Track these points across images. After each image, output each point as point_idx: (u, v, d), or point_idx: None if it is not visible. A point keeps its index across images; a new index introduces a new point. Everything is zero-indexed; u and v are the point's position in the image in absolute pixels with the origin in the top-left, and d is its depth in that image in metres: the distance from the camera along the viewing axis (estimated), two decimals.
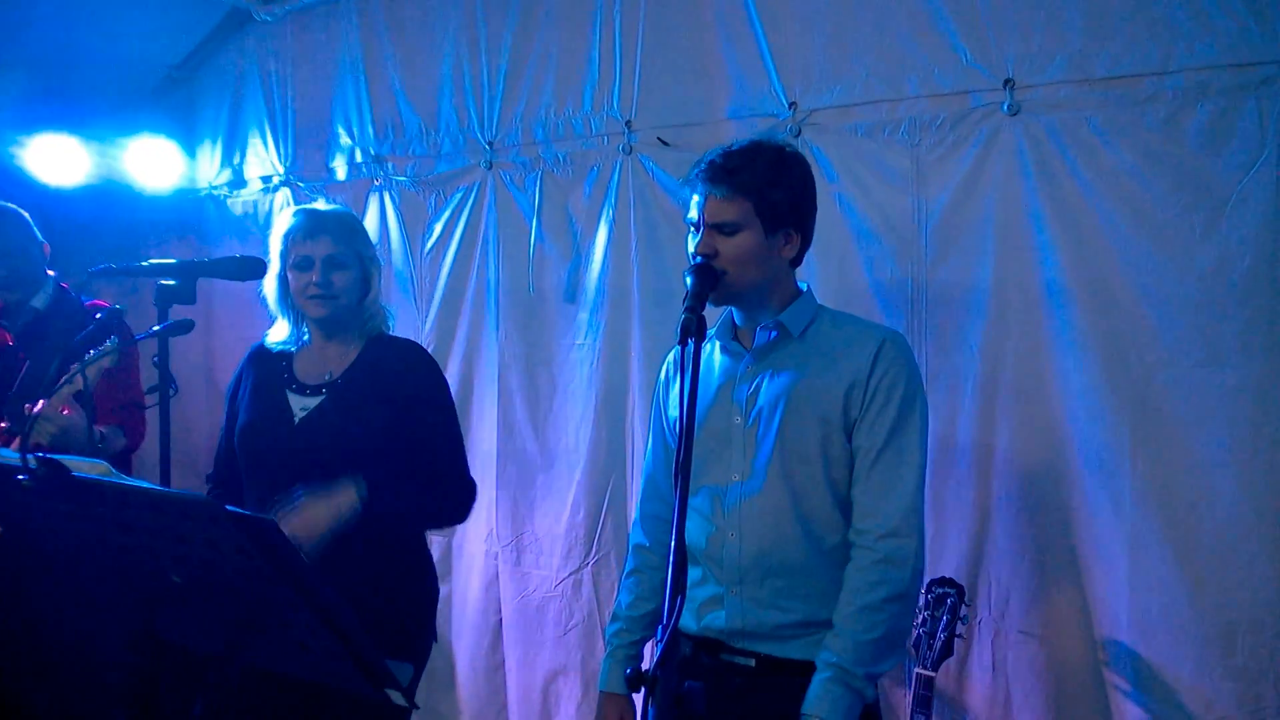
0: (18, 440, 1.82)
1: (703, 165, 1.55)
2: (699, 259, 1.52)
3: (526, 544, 2.79)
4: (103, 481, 1.20)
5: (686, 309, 1.40)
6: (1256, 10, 1.81)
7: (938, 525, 2.14)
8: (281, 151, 3.33)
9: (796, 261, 1.62)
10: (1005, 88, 2.05)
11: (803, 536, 1.53)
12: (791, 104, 2.31)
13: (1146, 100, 1.91)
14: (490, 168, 2.83)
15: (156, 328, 1.70)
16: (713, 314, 1.62)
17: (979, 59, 2.09)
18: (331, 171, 3.21)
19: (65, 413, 2.01)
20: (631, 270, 2.57)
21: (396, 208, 3.04)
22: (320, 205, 1.98)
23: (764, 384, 1.57)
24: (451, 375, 2.90)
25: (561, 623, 2.71)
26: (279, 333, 1.94)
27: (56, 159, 3.18)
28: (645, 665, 1.20)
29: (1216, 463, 1.86)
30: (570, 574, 2.70)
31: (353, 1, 3.10)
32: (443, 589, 2.88)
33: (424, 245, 2.99)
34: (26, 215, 2.44)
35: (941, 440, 2.12)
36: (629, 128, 2.56)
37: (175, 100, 3.59)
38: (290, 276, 1.88)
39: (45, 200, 3.01)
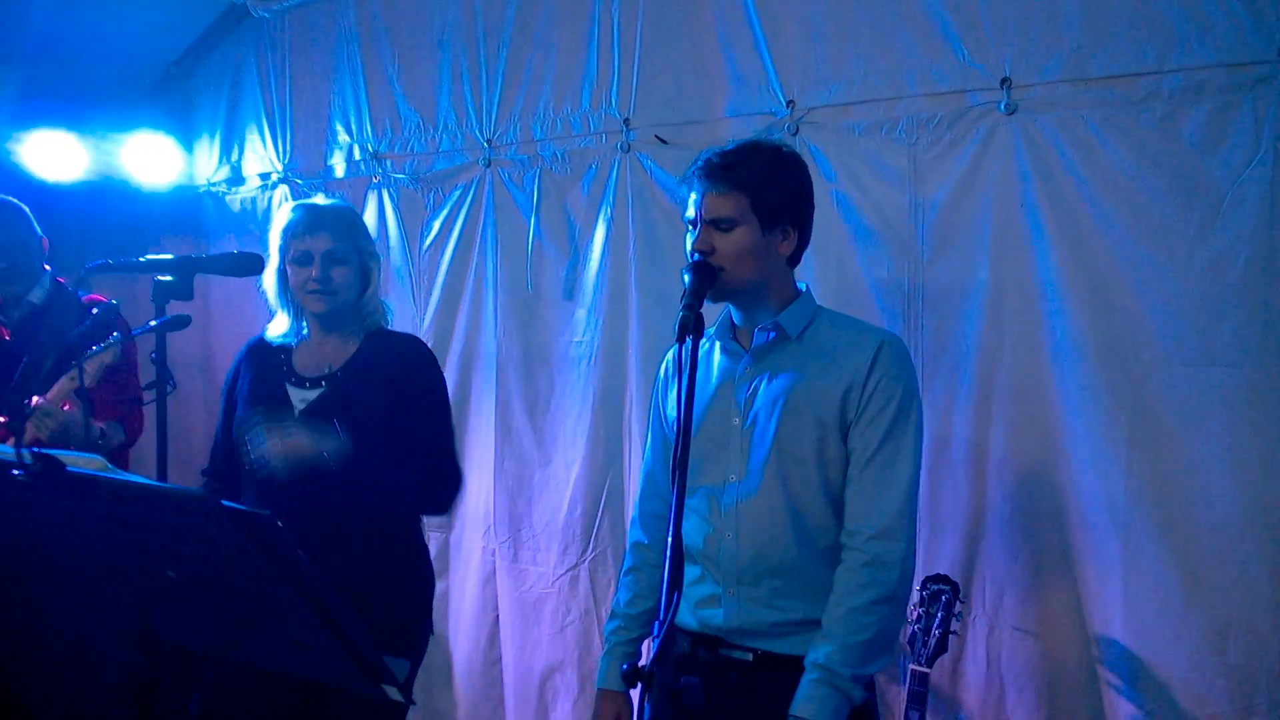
0: (14, 437, 1.82)
1: (699, 163, 1.56)
2: (696, 255, 1.52)
3: (524, 540, 2.80)
4: (98, 477, 1.20)
5: (685, 307, 1.40)
6: (1253, 10, 1.82)
7: (933, 522, 2.15)
8: (280, 148, 3.32)
9: (795, 260, 1.62)
10: (1002, 87, 2.05)
11: (799, 538, 1.53)
12: (789, 102, 2.32)
13: (1143, 100, 1.92)
14: (488, 165, 2.83)
15: (153, 323, 1.70)
16: (712, 312, 1.62)
17: (976, 58, 2.09)
18: (330, 168, 3.21)
19: (66, 408, 2.01)
20: (629, 268, 2.57)
21: (395, 205, 3.04)
22: (320, 200, 1.98)
23: (762, 386, 1.58)
24: (449, 372, 2.90)
25: (558, 619, 2.72)
26: (278, 327, 1.94)
27: (54, 155, 3.17)
28: (643, 662, 1.20)
29: (1211, 462, 1.87)
30: (567, 570, 2.70)
31: None
32: (440, 585, 2.91)
33: (422, 243, 2.99)
34: (26, 209, 2.44)
35: (937, 438, 2.12)
36: (627, 126, 2.56)
37: (173, 96, 3.59)
38: (290, 271, 1.89)
39: (43, 196, 3.00)
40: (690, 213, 1.57)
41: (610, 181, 2.60)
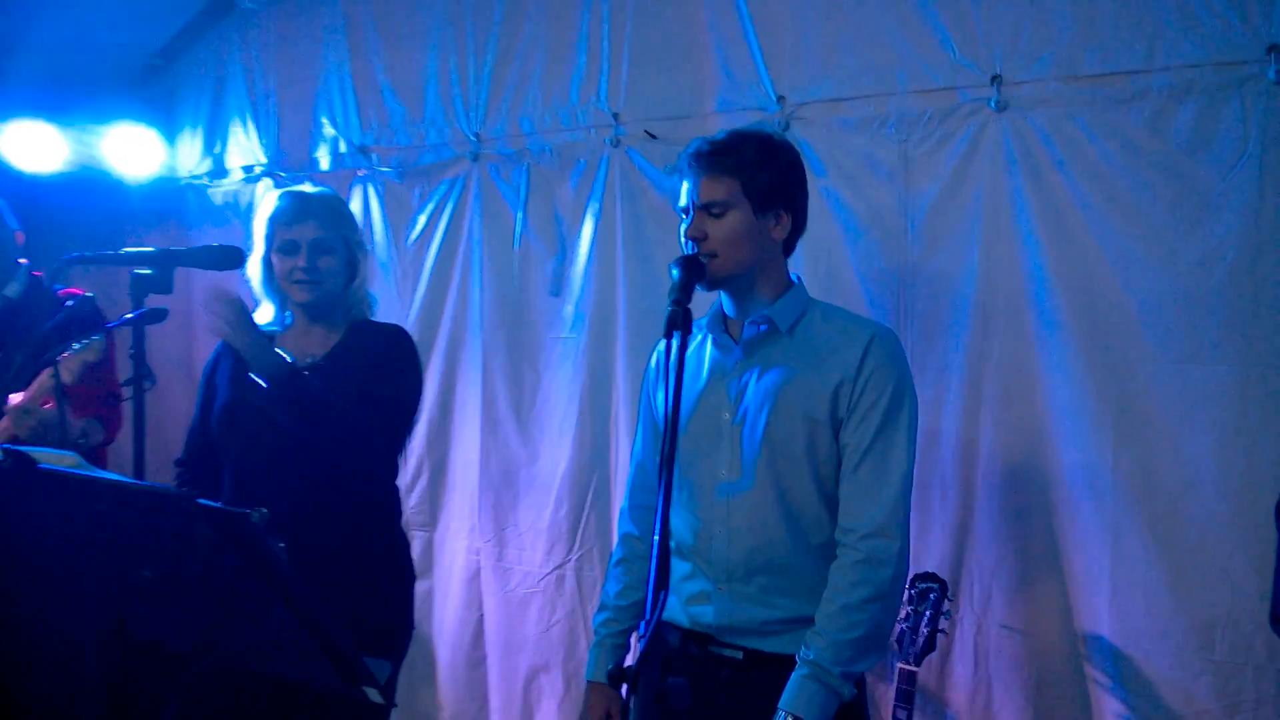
0: None
1: (690, 150, 1.56)
2: (689, 243, 1.52)
3: (509, 539, 2.78)
4: (70, 474, 1.17)
5: (673, 301, 1.39)
6: (1240, 9, 1.82)
7: (921, 519, 2.15)
8: (264, 141, 3.28)
9: (789, 246, 1.61)
10: (993, 84, 2.05)
11: (790, 534, 1.52)
12: (780, 97, 2.31)
13: (1132, 98, 1.92)
14: (476, 160, 2.80)
15: (129, 315, 1.67)
16: (704, 304, 1.61)
17: (967, 55, 2.09)
18: (315, 161, 3.17)
19: (47, 406, 1.98)
20: (617, 264, 2.56)
21: (381, 199, 3.01)
22: (307, 188, 1.95)
23: (752, 381, 1.56)
24: (435, 369, 2.88)
25: (544, 619, 2.70)
26: (263, 316, 1.91)
27: (33, 146, 3.12)
28: (630, 660, 1.19)
29: (1198, 459, 1.87)
30: (553, 570, 2.68)
31: None
32: (424, 584, 2.89)
33: (408, 237, 2.96)
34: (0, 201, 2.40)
35: (926, 433, 2.12)
36: (616, 120, 2.55)
37: (155, 88, 3.54)
38: (275, 260, 1.86)
39: (21, 188, 2.96)
40: (683, 200, 1.56)
41: (599, 176, 2.58)
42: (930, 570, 1.99)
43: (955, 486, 2.13)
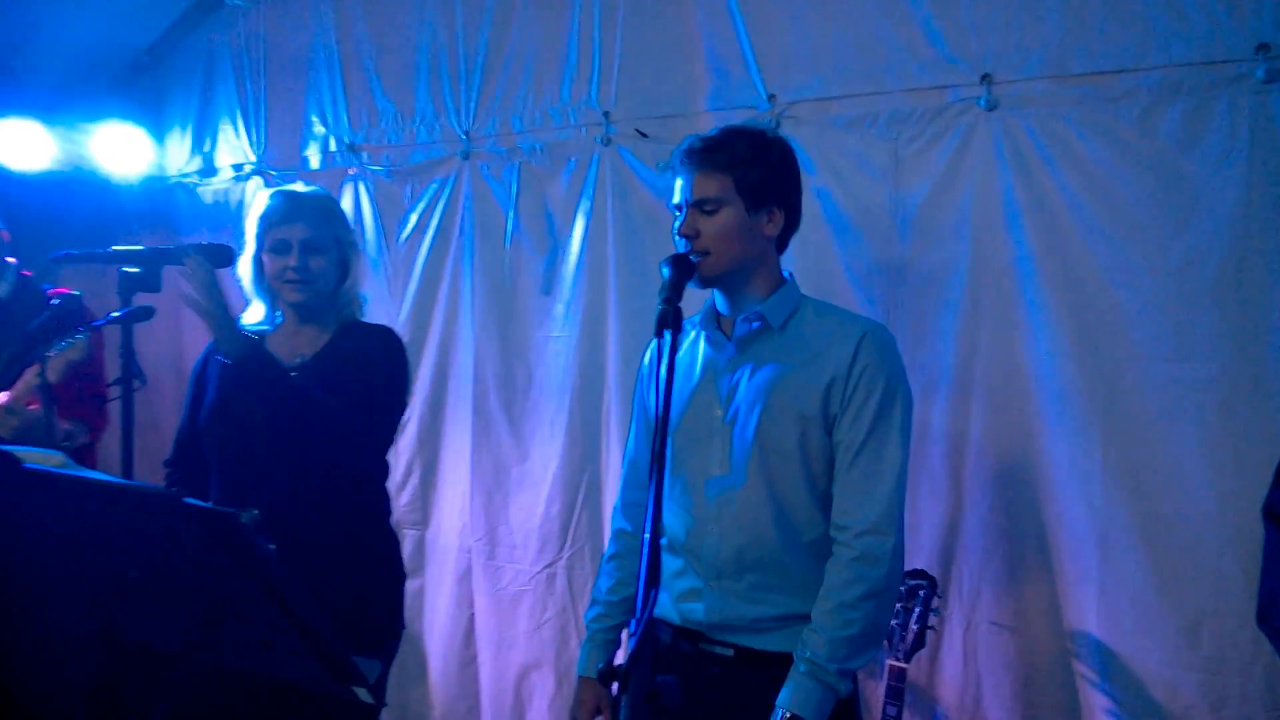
0: None
1: (683, 147, 1.56)
2: (681, 241, 1.52)
3: (500, 537, 2.77)
4: (55, 473, 1.17)
5: (663, 300, 1.39)
6: (1229, 8, 1.83)
7: (911, 516, 2.12)
8: (254, 139, 3.27)
9: (782, 244, 1.61)
10: (983, 83, 2.06)
11: (782, 532, 1.52)
12: (771, 96, 2.31)
13: (1122, 97, 1.93)
14: (467, 158, 2.80)
15: (116, 314, 1.66)
16: (696, 302, 1.61)
17: (957, 54, 2.10)
18: (305, 160, 3.16)
19: (32, 406, 1.96)
20: (608, 262, 2.55)
21: (371, 198, 3.00)
22: (299, 187, 1.94)
23: (744, 378, 1.57)
24: (426, 367, 2.88)
25: (535, 617, 2.70)
26: (253, 315, 1.91)
27: (20, 145, 3.10)
28: (621, 658, 1.19)
29: (1185, 456, 1.88)
30: (544, 568, 2.68)
31: None
32: (415, 582, 2.88)
33: (399, 236, 2.95)
34: None
35: (915, 430, 2.09)
36: (607, 119, 2.54)
37: (144, 86, 3.52)
38: (266, 259, 1.85)
39: (9, 187, 2.94)
40: (676, 197, 1.56)
41: (590, 175, 2.58)
42: (920, 567, 1.99)
43: (944, 484, 2.14)
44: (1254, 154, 1.82)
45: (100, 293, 2.37)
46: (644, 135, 2.49)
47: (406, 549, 2.91)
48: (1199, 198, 1.87)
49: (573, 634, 2.64)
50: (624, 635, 1.72)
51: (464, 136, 2.79)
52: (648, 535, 1.23)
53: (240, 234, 1.92)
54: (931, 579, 1.97)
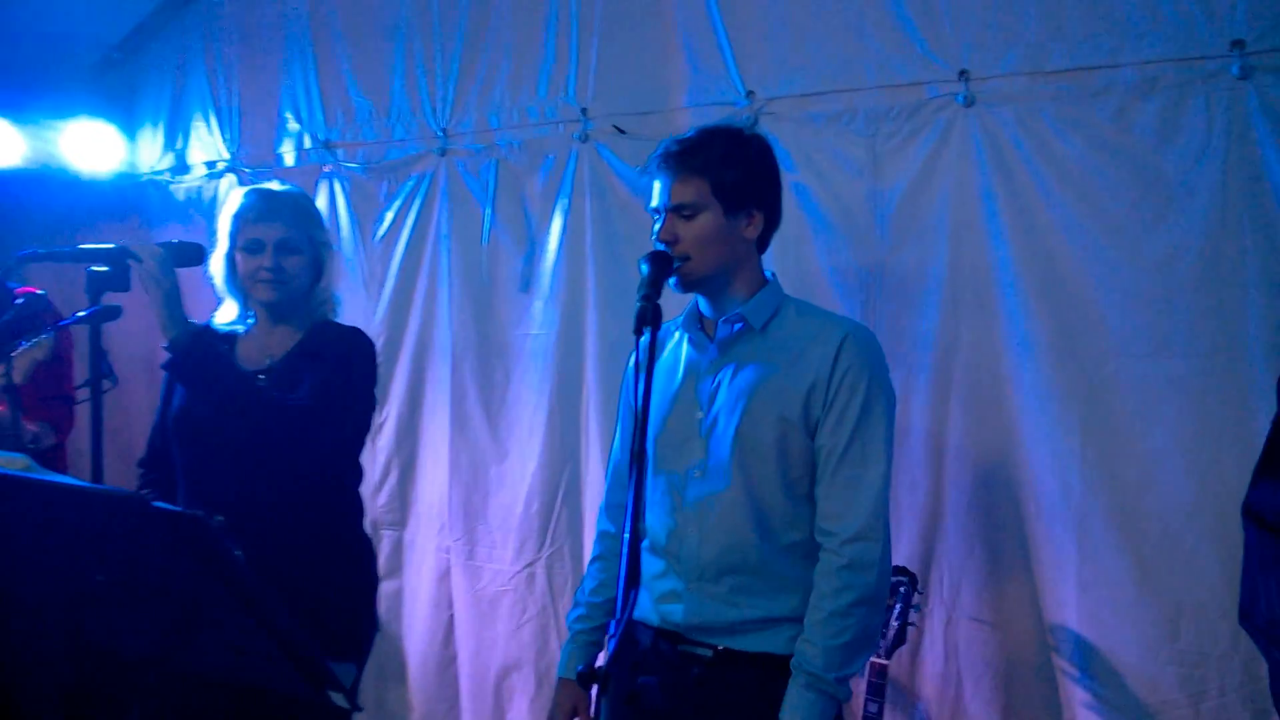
0: None
1: (660, 151, 1.55)
2: (661, 245, 1.51)
3: (479, 537, 2.75)
4: (19, 477, 1.14)
5: (642, 297, 1.38)
6: (1204, 5, 1.84)
7: (891, 513, 2.11)
8: (227, 136, 3.22)
9: (763, 244, 1.60)
10: (960, 79, 2.06)
11: (761, 535, 1.51)
12: (749, 93, 2.30)
13: (1098, 93, 1.94)
14: (444, 155, 2.77)
15: (82, 313, 1.63)
16: (679, 303, 1.60)
17: (935, 50, 2.10)
18: (279, 157, 3.12)
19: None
20: (587, 259, 2.54)
21: (347, 195, 2.97)
22: (274, 186, 1.91)
23: (726, 380, 1.56)
24: (403, 366, 2.85)
25: (515, 616, 2.68)
26: (226, 314, 1.88)
27: None
28: (602, 660, 1.17)
29: (1163, 452, 1.89)
30: (524, 567, 2.67)
31: None
32: (393, 583, 2.85)
33: (375, 234, 2.92)
34: None
35: (895, 428, 2.12)
36: (585, 115, 2.53)
37: (115, 81, 3.46)
38: (239, 259, 1.82)
39: None
40: (654, 202, 1.55)
41: (567, 172, 2.56)
42: (900, 564, 1.99)
43: (924, 480, 2.14)
44: (1230, 149, 1.83)
45: (68, 292, 2.32)
46: (622, 132, 2.47)
47: (384, 549, 2.89)
48: (1176, 193, 1.88)
49: (553, 634, 2.63)
50: (606, 637, 1.71)
51: (440, 133, 2.77)
52: (627, 535, 1.23)
53: (213, 232, 1.89)
54: (912, 575, 1.97)
